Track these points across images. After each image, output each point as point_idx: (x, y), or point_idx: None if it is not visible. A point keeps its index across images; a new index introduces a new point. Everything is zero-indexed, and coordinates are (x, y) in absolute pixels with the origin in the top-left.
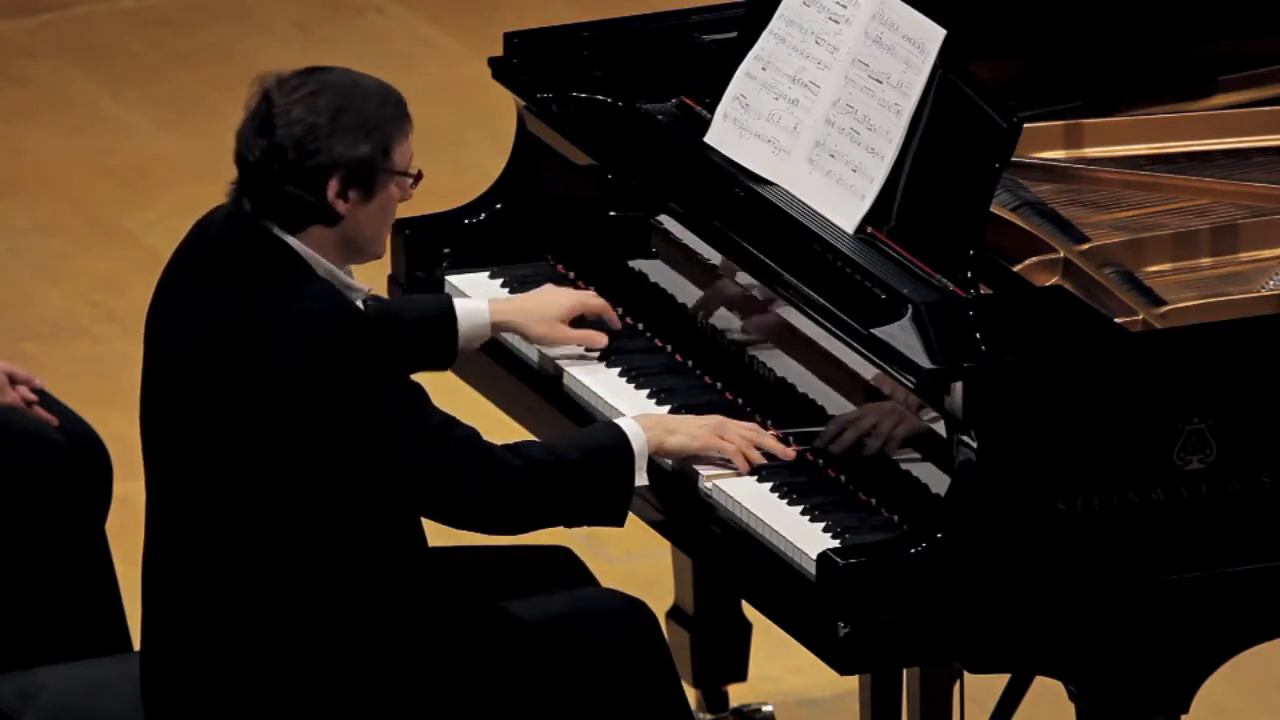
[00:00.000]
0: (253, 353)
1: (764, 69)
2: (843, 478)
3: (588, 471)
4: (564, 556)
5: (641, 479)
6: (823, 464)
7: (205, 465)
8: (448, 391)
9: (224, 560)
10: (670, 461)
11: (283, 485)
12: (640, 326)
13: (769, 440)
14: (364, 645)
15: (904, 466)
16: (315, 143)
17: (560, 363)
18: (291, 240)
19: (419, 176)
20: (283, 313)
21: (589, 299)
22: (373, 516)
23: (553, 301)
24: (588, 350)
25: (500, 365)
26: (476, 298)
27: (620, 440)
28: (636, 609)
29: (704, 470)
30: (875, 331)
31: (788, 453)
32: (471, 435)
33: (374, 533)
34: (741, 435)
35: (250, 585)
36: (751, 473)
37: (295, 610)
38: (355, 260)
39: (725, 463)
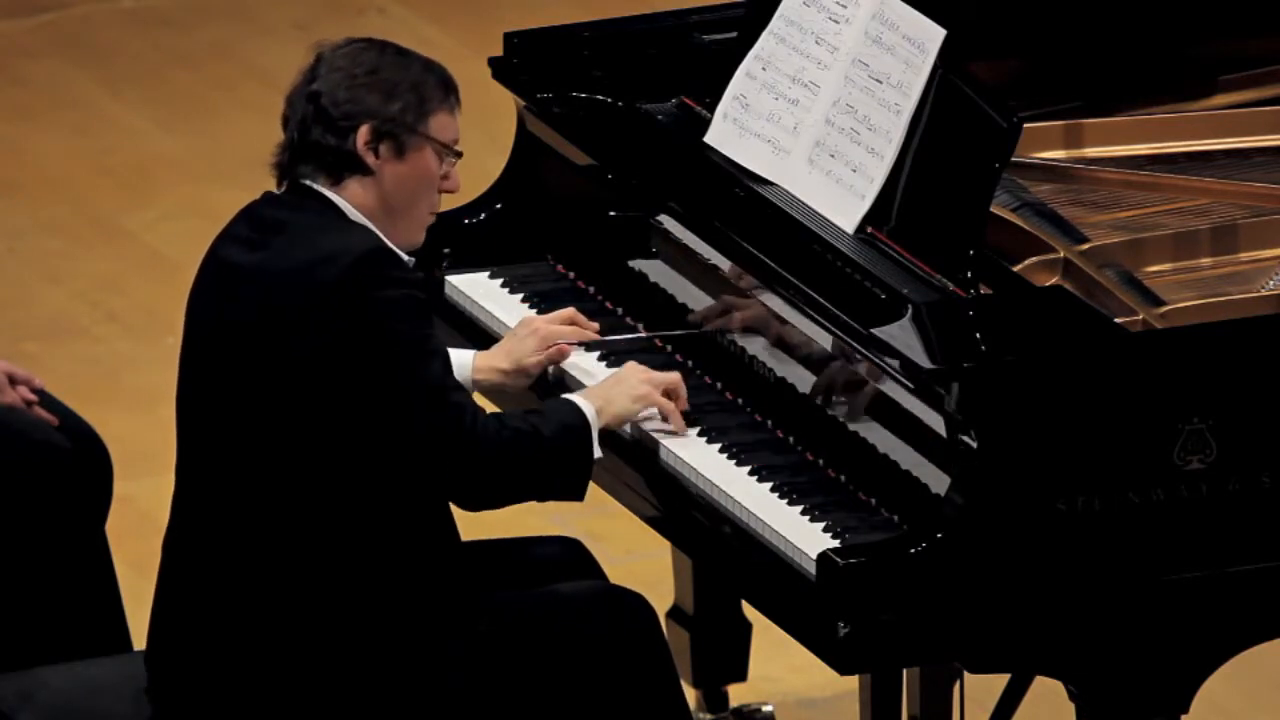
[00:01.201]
0: (275, 289)
1: (764, 69)
2: (843, 478)
3: (559, 449)
4: (573, 548)
5: (598, 452)
6: (823, 464)
7: (235, 428)
8: None
9: (243, 542)
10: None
11: (306, 447)
12: (640, 327)
13: (683, 390)
14: (369, 634)
15: (904, 467)
16: (350, 91)
17: (565, 366)
18: (330, 193)
19: (459, 154)
20: (314, 247)
21: (558, 322)
22: (392, 490)
23: (523, 343)
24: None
25: None
26: (465, 350)
27: (580, 415)
28: (635, 602)
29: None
30: (875, 331)
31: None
32: (470, 407)
33: (396, 516)
34: (665, 387)
35: (266, 567)
36: (751, 473)
37: (309, 597)
38: (395, 235)
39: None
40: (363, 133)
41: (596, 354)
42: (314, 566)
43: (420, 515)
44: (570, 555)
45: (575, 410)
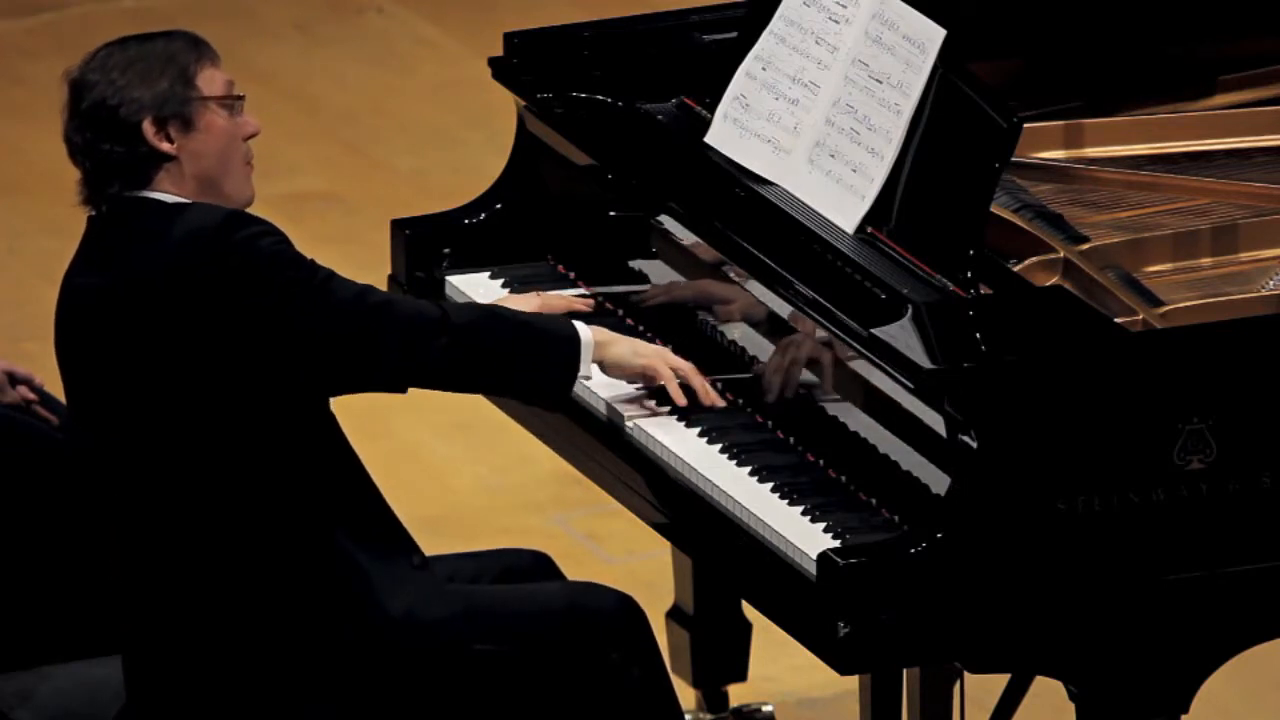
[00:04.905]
0: (143, 294)
1: (764, 69)
2: (843, 478)
3: (530, 336)
4: (540, 561)
5: (587, 370)
6: (823, 464)
7: (155, 448)
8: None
9: (180, 542)
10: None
11: (234, 436)
12: (640, 327)
13: (700, 381)
14: (342, 624)
15: (904, 467)
16: (116, 96)
17: None
18: (147, 194)
19: (240, 97)
20: (163, 243)
21: (551, 298)
22: (322, 459)
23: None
24: None
25: None
26: None
27: (568, 324)
28: (625, 603)
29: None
30: (875, 331)
31: (715, 400)
32: (397, 295)
33: (327, 490)
34: (678, 368)
35: (216, 566)
36: (752, 473)
37: (260, 587)
38: (226, 201)
39: (656, 402)
40: (146, 127)
41: None
42: (259, 553)
43: (349, 487)
44: (540, 566)
45: (571, 324)
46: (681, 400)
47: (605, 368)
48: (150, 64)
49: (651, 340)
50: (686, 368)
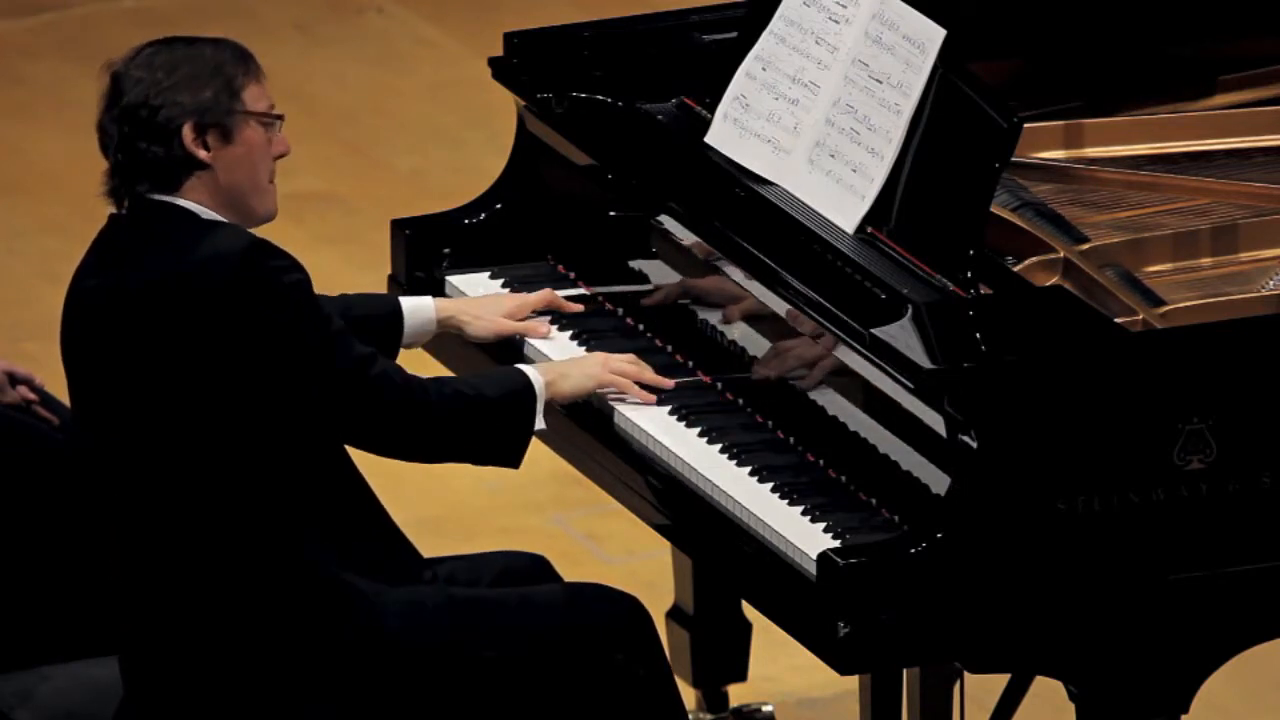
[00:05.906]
0: (158, 302)
1: (764, 69)
2: (843, 478)
3: (499, 411)
4: (538, 564)
5: (540, 423)
6: (823, 464)
7: (152, 459)
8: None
9: (179, 543)
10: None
11: (228, 459)
12: (641, 327)
13: (649, 374)
14: (342, 625)
15: (904, 467)
16: (159, 96)
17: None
18: (175, 200)
19: (280, 117)
20: (185, 256)
21: (534, 296)
22: (308, 481)
23: (495, 300)
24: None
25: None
26: (423, 296)
27: (526, 385)
28: (629, 604)
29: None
30: (875, 331)
31: (666, 382)
32: (391, 369)
33: (312, 506)
34: (625, 371)
35: (210, 572)
36: (752, 473)
37: (251, 594)
38: (247, 219)
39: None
40: (186, 132)
41: (569, 333)
42: (258, 555)
43: (353, 505)
44: (537, 569)
45: (522, 378)
46: (651, 399)
47: (560, 400)
48: (197, 70)
49: (651, 340)
50: (630, 369)
